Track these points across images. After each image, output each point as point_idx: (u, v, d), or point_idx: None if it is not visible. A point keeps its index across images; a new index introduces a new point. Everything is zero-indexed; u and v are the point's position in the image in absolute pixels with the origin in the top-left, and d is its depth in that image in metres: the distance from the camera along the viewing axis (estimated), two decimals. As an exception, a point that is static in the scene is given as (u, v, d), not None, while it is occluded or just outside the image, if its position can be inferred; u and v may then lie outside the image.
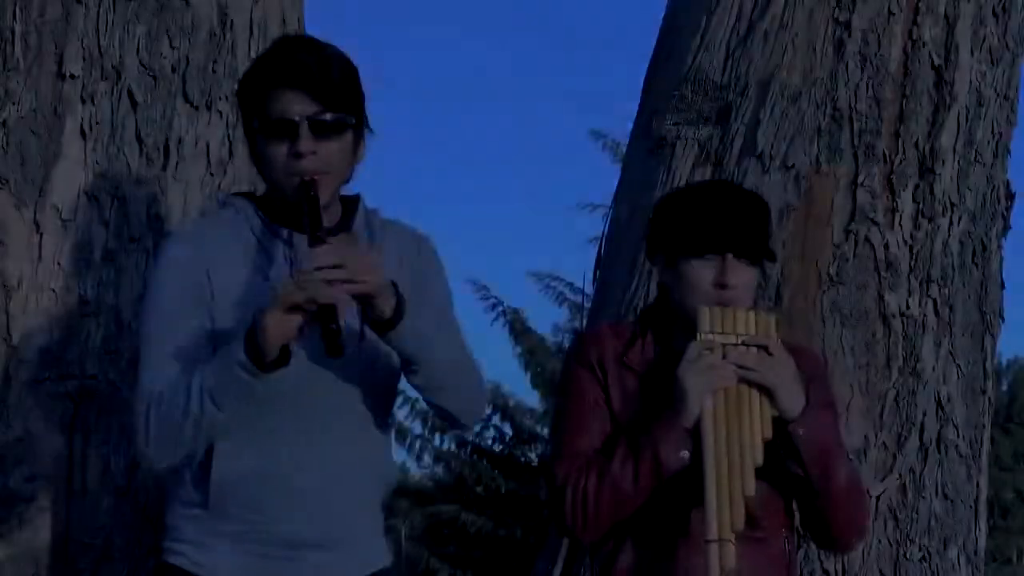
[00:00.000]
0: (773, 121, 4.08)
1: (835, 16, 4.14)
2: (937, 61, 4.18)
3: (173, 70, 3.78)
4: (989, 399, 4.36)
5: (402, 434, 17.57)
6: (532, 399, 18.12)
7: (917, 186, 4.14)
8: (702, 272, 2.94)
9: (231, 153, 3.84)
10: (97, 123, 3.70)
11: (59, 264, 3.64)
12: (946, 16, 4.20)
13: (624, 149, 5.86)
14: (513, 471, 17.55)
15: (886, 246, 4.09)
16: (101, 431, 3.62)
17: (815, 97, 4.10)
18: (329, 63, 2.76)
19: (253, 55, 3.81)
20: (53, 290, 3.63)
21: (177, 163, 3.77)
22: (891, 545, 4.03)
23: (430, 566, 17.07)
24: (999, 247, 4.39)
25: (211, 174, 3.82)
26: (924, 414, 4.10)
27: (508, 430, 18.08)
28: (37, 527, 3.56)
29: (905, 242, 4.11)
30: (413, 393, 3.70)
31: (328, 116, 2.75)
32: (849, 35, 4.12)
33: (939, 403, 4.14)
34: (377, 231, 2.91)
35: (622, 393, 2.99)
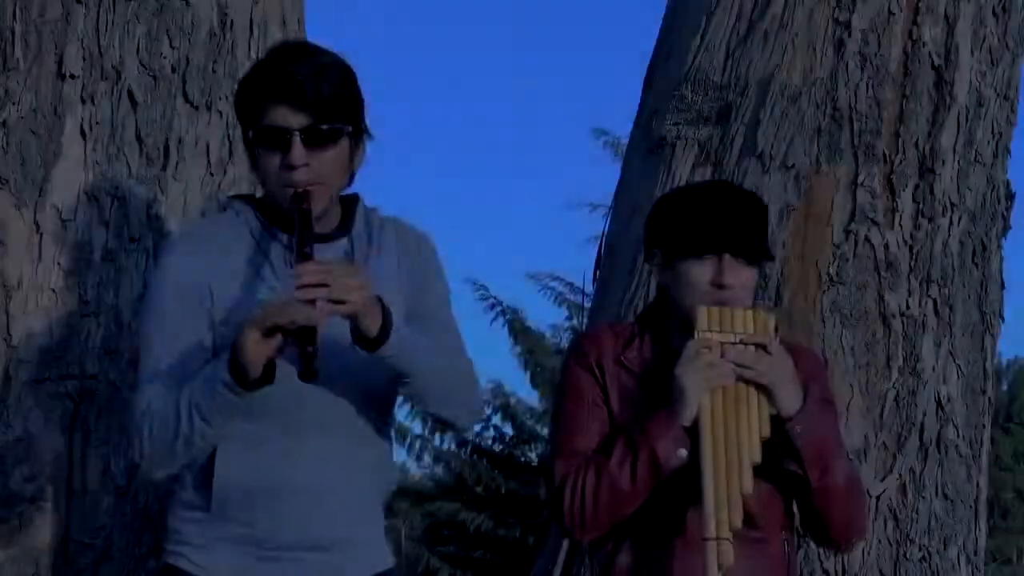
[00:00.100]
0: (773, 121, 4.08)
1: (835, 16, 4.14)
2: (937, 61, 4.18)
3: (173, 70, 3.78)
4: (989, 399, 4.36)
5: (402, 434, 17.58)
6: (532, 398, 18.16)
7: (917, 186, 4.14)
8: (699, 272, 2.94)
9: (231, 153, 3.83)
10: (97, 123, 3.70)
11: (59, 264, 3.63)
12: (946, 16, 4.20)
13: (624, 146, 5.86)
14: (513, 471, 17.55)
15: (886, 246, 4.09)
16: (101, 431, 3.61)
17: (815, 97, 4.10)
18: (322, 73, 2.74)
19: (253, 55, 3.81)
20: (53, 290, 3.63)
21: (177, 163, 3.77)
22: (891, 545, 4.03)
23: (430, 566, 17.08)
24: (999, 247, 4.39)
25: (211, 174, 3.82)
26: (924, 414, 4.10)
27: (508, 430, 18.10)
28: (37, 527, 3.56)
29: (905, 242, 4.11)
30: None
31: (320, 127, 2.74)
32: (849, 35, 4.12)
33: (939, 403, 4.14)
34: (376, 229, 2.91)
35: (621, 393, 2.99)
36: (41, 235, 3.64)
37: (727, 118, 4.14)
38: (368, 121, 2.87)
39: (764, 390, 2.89)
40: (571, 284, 17.38)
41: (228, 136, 3.83)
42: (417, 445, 18.13)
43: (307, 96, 2.72)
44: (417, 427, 17.85)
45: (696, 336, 2.91)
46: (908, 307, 4.10)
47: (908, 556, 4.04)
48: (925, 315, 4.12)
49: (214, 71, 3.83)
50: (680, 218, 2.98)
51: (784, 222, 4.04)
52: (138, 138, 3.74)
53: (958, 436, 4.18)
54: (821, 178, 4.09)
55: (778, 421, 2.89)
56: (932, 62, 4.18)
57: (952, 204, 4.18)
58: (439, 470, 18.80)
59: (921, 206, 4.13)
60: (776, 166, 4.06)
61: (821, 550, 3.88)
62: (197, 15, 3.81)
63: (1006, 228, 4.42)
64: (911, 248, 4.12)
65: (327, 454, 2.81)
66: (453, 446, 18.11)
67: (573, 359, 3.06)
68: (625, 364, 3.01)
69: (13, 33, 3.66)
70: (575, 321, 17.21)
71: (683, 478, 2.89)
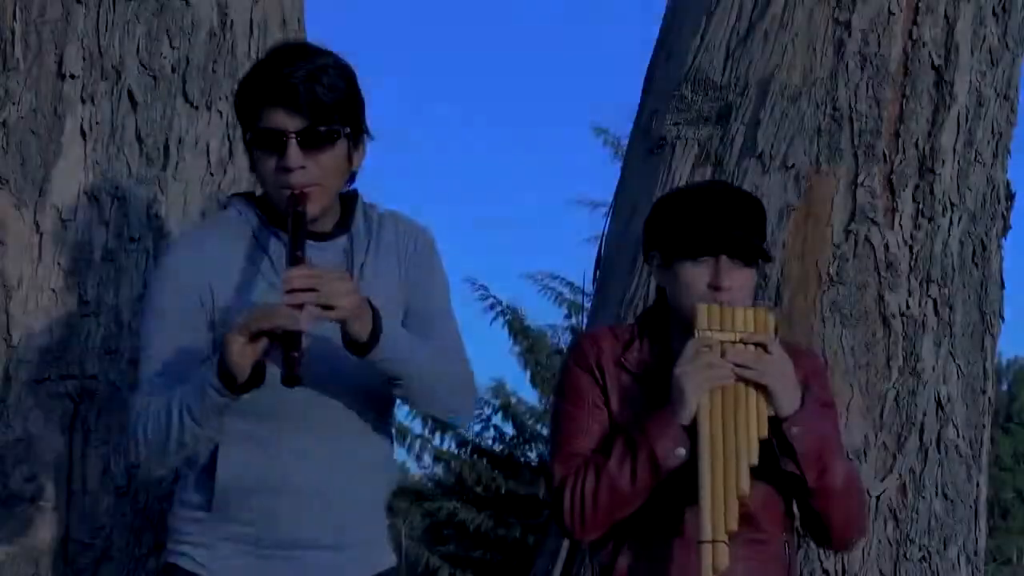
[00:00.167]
0: (773, 121, 4.08)
1: (835, 16, 4.14)
2: (937, 61, 4.18)
3: (173, 70, 3.78)
4: (989, 399, 4.36)
5: (402, 434, 17.57)
6: (532, 398, 18.16)
7: (917, 186, 4.14)
8: (697, 274, 2.94)
9: (231, 153, 3.83)
10: (97, 123, 3.70)
11: (59, 264, 3.63)
12: (946, 16, 4.20)
13: (624, 146, 5.86)
14: (513, 471, 17.54)
15: (886, 246, 4.09)
16: (101, 431, 3.61)
17: (815, 97, 4.10)
18: (319, 76, 2.74)
19: (253, 55, 3.81)
20: (53, 290, 3.63)
21: (177, 163, 3.77)
22: (891, 545, 4.03)
23: (430, 566, 17.07)
24: (999, 247, 4.39)
25: (211, 174, 3.82)
26: (924, 414, 4.10)
27: (508, 430, 18.09)
28: (37, 527, 3.56)
29: (905, 242, 4.11)
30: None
31: (317, 129, 2.74)
32: (849, 35, 4.12)
33: (939, 403, 4.14)
34: (375, 225, 2.92)
35: (621, 395, 2.99)
36: (41, 235, 3.64)
37: (727, 118, 4.13)
38: (368, 121, 2.87)
39: (763, 390, 2.89)
40: (571, 284, 17.39)
41: (228, 136, 3.83)
42: (417, 445, 18.12)
43: (302, 99, 2.72)
44: (417, 427, 17.86)
45: (696, 335, 2.91)
46: (908, 307, 4.10)
47: (908, 556, 4.04)
48: (925, 315, 4.12)
49: (214, 71, 3.83)
50: (677, 220, 2.98)
51: (784, 222, 4.04)
52: (138, 138, 3.74)
53: (958, 436, 4.18)
54: (821, 178, 4.09)
55: (776, 422, 2.89)
56: (932, 62, 4.17)
57: (952, 204, 4.18)
58: (439, 470, 18.79)
59: (921, 206, 4.13)
60: (776, 166, 4.06)
61: (821, 550, 3.88)
62: (197, 15, 3.81)
63: (1006, 228, 4.41)
64: (911, 248, 4.12)
65: (328, 453, 2.81)
66: (453, 446, 18.11)
67: (573, 360, 3.05)
68: (625, 365, 3.01)
69: (13, 33, 3.66)
70: (574, 320, 17.23)
71: (683, 478, 2.89)
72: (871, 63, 4.12)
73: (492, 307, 17.90)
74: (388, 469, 2.97)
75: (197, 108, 3.80)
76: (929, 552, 4.07)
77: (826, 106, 4.10)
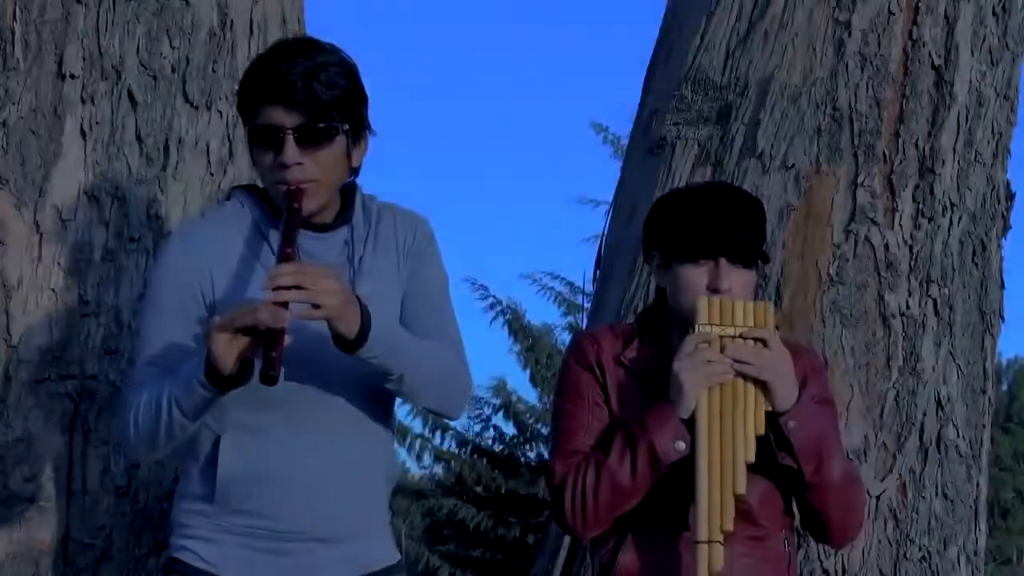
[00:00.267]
0: (773, 121, 4.08)
1: (835, 16, 4.14)
2: (937, 61, 4.18)
3: (173, 70, 3.78)
4: (989, 399, 4.36)
5: (402, 434, 17.58)
6: (532, 397, 18.17)
7: (917, 186, 4.13)
8: (696, 276, 2.95)
9: (231, 153, 3.84)
10: (97, 123, 3.70)
11: (59, 264, 3.64)
12: (946, 16, 4.20)
13: (624, 145, 5.86)
14: (513, 471, 17.55)
15: (886, 246, 4.09)
16: (101, 431, 3.61)
17: (815, 97, 4.10)
18: (318, 73, 2.74)
19: (253, 55, 3.81)
20: (53, 290, 3.63)
21: (177, 163, 3.77)
22: (891, 545, 4.03)
23: (430, 565, 17.08)
24: (999, 247, 4.39)
25: (211, 174, 3.82)
26: (924, 414, 4.10)
27: (508, 430, 18.10)
28: (37, 527, 3.56)
29: (905, 242, 4.11)
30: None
31: (315, 126, 2.75)
32: (849, 35, 4.12)
33: (939, 403, 4.14)
34: (374, 216, 2.92)
35: (620, 393, 3.00)
36: (41, 235, 3.64)
37: (727, 118, 4.13)
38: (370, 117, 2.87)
39: (761, 385, 2.89)
40: (571, 283, 17.40)
41: (228, 136, 3.83)
42: (417, 445, 18.13)
43: (300, 96, 2.73)
44: (417, 426, 17.88)
45: (696, 329, 2.91)
46: (908, 307, 4.10)
47: (908, 556, 4.04)
48: (925, 315, 4.12)
49: (214, 71, 3.83)
50: (676, 222, 2.98)
51: (784, 222, 4.04)
52: (138, 138, 3.74)
53: (958, 436, 4.18)
54: (821, 178, 4.09)
55: (773, 416, 2.90)
56: (932, 62, 4.17)
57: (952, 204, 4.18)
58: (439, 470, 18.81)
59: (921, 206, 4.13)
60: (776, 166, 4.06)
61: (821, 549, 3.88)
62: (197, 15, 3.81)
63: (1006, 228, 4.41)
64: (911, 248, 4.12)
65: (330, 445, 2.82)
66: (453, 446, 18.12)
67: (573, 359, 3.06)
68: (625, 364, 3.01)
69: (13, 33, 3.67)
70: (573, 319, 17.24)
71: (683, 474, 2.89)
72: (871, 63, 4.12)
73: (492, 307, 17.93)
74: (390, 461, 2.98)
75: (197, 108, 3.80)
76: (929, 552, 4.07)
77: (826, 106, 4.10)
